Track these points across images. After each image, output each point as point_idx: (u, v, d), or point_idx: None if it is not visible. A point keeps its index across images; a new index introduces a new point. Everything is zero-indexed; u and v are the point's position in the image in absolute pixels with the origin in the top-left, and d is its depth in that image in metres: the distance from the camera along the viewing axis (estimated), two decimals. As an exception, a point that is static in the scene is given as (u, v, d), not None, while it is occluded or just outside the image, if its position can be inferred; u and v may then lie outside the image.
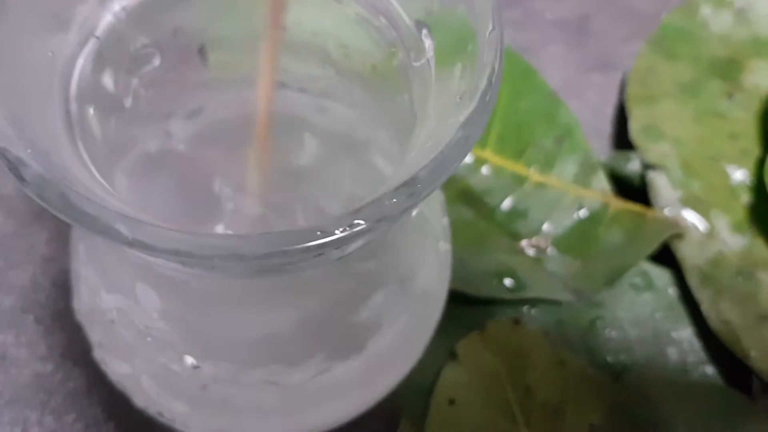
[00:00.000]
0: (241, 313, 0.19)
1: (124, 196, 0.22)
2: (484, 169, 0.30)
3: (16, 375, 0.27)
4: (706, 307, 0.28)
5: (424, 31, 0.18)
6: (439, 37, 0.17)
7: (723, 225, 0.29)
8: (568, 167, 0.31)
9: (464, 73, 0.16)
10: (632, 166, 0.31)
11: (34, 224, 0.30)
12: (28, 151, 0.14)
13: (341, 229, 0.14)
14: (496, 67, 0.15)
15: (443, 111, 0.16)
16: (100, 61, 0.18)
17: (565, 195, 0.30)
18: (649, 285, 0.29)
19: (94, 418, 0.26)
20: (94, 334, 0.22)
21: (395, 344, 0.21)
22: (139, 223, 0.14)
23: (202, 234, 0.13)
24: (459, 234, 0.28)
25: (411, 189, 0.14)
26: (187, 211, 0.25)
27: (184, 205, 0.25)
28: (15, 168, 0.13)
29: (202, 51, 0.21)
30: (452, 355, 0.27)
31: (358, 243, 0.15)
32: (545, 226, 0.29)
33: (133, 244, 0.13)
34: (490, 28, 0.15)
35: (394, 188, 0.14)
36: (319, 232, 0.13)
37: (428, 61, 0.18)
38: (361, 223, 0.14)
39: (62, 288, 0.29)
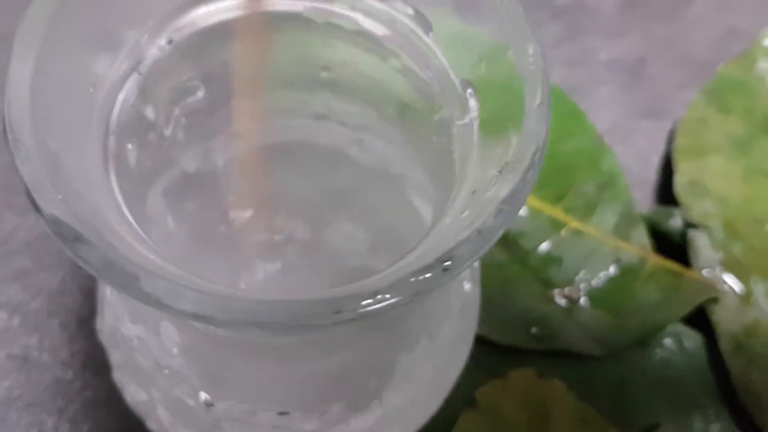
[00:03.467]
0: (260, 359, 0.19)
1: (158, 216, 0.22)
2: (521, 211, 0.30)
3: (36, 379, 0.27)
4: (736, 376, 0.27)
5: (470, 91, 0.17)
6: (486, 101, 0.17)
7: (762, 291, 0.29)
8: (608, 217, 0.30)
9: (508, 143, 0.15)
10: (674, 222, 0.30)
11: (67, 227, 0.30)
12: (60, 196, 0.13)
13: (370, 302, 0.13)
14: (541, 144, 0.15)
15: (483, 178, 0.16)
16: (142, 94, 0.18)
17: (603, 245, 0.29)
18: (680, 347, 0.28)
19: (109, 430, 0.26)
20: (114, 357, 0.22)
21: (416, 396, 0.21)
22: (157, 278, 0.13)
23: (226, 297, 0.13)
24: (489, 275, 0.27)
25: (444, 266, 0.14)
26: (219, 231, 0.25)
27: (216, 225, 0.25)
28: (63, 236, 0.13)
29: (247, 84, 0.21)
30: (471, 402, 0.26)
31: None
32: (579, 276, 0.29)
33: (147, 301, 0.13)
34: (538, 101, 0.15)
35: (427, 264, 0.14)
36: (346, 305, 0.13)
37: (472, 121, 0.17)
38: (390, 298, 0.13)
39: (90, 295, 0.29)
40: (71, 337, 0.28)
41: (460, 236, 0.14)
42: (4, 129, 0.15)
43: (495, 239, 0.14)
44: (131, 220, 0.16)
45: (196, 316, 0.13)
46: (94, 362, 0.27)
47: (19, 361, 0.27)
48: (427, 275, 0.14)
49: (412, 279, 0.14)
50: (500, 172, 0.15)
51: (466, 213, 0.15)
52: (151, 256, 0.15)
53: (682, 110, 0.34)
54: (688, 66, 0.36)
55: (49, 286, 0.29)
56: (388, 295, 0.14)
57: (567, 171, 0.31)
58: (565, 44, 0.36)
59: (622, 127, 0.34)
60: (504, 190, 0.14)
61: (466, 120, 0.17)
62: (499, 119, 0.16)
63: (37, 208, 0.14)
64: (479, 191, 0.15)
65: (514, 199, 0.14)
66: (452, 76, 0.18)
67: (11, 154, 0.15)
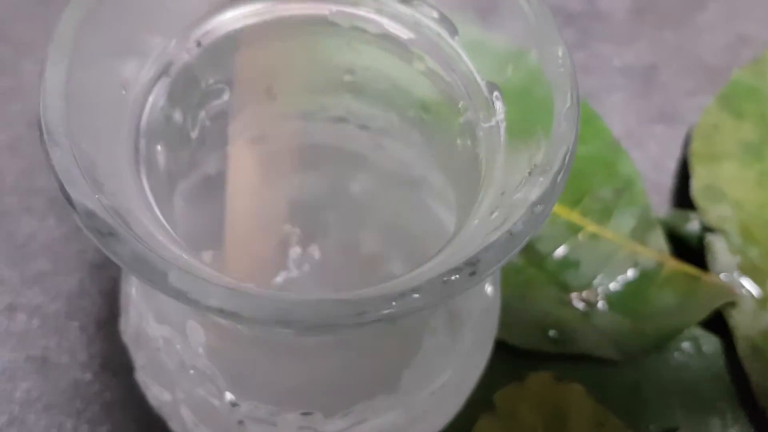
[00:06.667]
0: (284, 359, 0.19)
1: (182, 217, 0.22)
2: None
3: (55, 381, 0.27)
4: (754, 380, 0.27)
5: (496, 93, 0.18)
6: (513, 103, 0.17)
7: (779, 296, 0.29)
8: (626, 221, 0.30)
9: (537, 146, 0.16)
10: (691, 226, 0.30)
11: (86, 230, 0.30)
12: (96, 197, 0.14)
13: (396, 304, 0.13)
14: (571, 146, 0.15)
15: (511, 180, 0.16)
16: (170, 97, 0.18)
17: (620, 249, 0.29)
18: (698, 351, 0.28)
19: (128, 432, 0.26)
20: (138, 357, 0.22)
21: (437, 398, 0.21)
22: (186, 275, 0.14)
23: (254, 294, 0.13)
24: (506, 279, 0.27)
25: (474, 268, 0.14)
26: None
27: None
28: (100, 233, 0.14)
29: (269, 88, 0.21)
30: (489, 406, 0.26)
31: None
32: (596, 280, 0.29)
33: (176, 296, 0.13)
34: (568, 104, 0.15)
35: (455, 266, 0.14)
36: (372, 306, 0.13)
37: (498, 124, 0.17)
38: (417, 300, 0.13)
39: (109, 296, 0.29)
40: (90, 340, 0.28)
41: (489, 238, 0.14)
42: (40, 131, 0.15)
43: (525, 242, 0.14)
44: (162, 220, 0.16)
45: (223, 312, 0.14)
46: (113, 364, 0.27)
47: (38, 363, 0.28)
48: (454, 277, 0.14)
49: (439, 281, 0.14)
50: (529, 174, 0.15)
51: (495, 215, 0.15)
52: (183, 255, 0.15)
53: (694, 116, 0.34)
54: (698, 72, 0.36)
55: (68, 288, 0.29)
56: (414, 297, 0.14)
57: (584, 175, 0.31)
58: (577, 50, 0.36)
59: (635, 132, 0.34)
60: (535, 193, 0.14)
61: (493, 123, 0.17)
62: (527, 122, 0.16)
63: (70, 202, 0.14)
64: (507, 193, 0.15)
65: (545, 201, 0.14)
66: (478, 79, 0.18)
67: (45, 154, 0.15)
